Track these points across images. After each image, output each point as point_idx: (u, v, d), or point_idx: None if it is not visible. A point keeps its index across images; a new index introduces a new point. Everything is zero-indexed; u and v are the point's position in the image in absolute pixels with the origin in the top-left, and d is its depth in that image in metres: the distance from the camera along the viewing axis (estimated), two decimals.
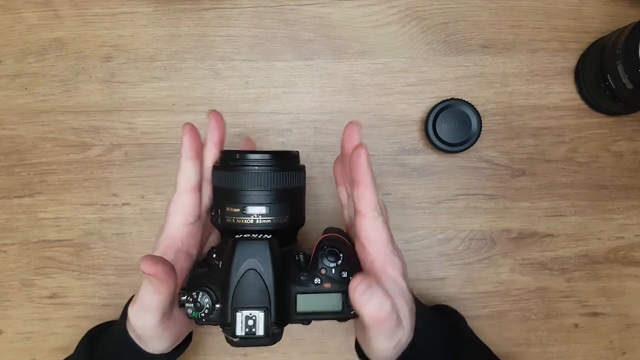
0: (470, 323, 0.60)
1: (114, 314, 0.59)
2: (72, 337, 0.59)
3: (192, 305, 0.40)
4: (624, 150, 0.59)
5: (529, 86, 0.59)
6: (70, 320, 0.59)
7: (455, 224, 0.59)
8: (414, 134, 0.59)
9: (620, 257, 0.59)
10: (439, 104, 0.56)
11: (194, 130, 0.43)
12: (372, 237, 0.40)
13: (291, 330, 0.59)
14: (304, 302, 0.41)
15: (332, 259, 0.42)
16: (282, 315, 0.40)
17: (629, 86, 0.49)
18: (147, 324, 0.41)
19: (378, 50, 0.59)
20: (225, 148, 0.45)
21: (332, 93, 0.59)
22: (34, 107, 0.59)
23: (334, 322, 0.43)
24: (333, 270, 0.42)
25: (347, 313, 0.42)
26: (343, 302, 0.42)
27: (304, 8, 0.59)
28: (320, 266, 0.42)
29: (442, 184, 0.59)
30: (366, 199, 0.40)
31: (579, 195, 0.59)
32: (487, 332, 0.59)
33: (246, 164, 0.41)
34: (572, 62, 0.59)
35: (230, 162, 0.42)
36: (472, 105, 0.56)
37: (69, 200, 0.59)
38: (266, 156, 0.41)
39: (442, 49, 0.59)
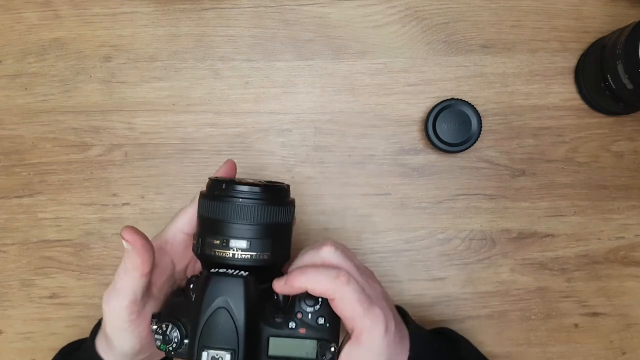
0: (471, 323, 0.60)
1: None
2: (72, 337, 0.59)
3: (161, 337, 0.39)
4: (624, 150, 0.59)
5: (529, 86, 0.59)
6: (70, 320, 0.59)
7: (455, 224, 0.59)
8: (414, 134, 0.59)
9: (620, 257, 0.59)
10: (439, 104, 0.56)
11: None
12: (346, 315, 0.39)
13: None
14: (276, 346, 0.40)
15: (309, 303, 0.40)
16: (250, 358, 0.38)
17: (629, 86, 0.49)
18: (117, 308, 0.41)
19: (378, 50, 0.59)
20: (215, 176, 0.44)
21: (332, 93, 0.59)
22: (34, 107, 0.59)
23: None
24: (310, 315, 0.40)
25: None
26: (317, 350, 0.40)
27: (304, 8, 0.59)
28: (296, 309, 0.40)
29: (442, 184, 0.59)
30: (320, 290, 0.39)
31: (579, 195, 0.59)
32: (487, 332, 0.59)
33: (231, 194, 0.39)
34: (572, 62, 0.59)
35: (215, 191, 0.40)
36: (472, 105, 0.56)
37: (69, 200, 0.59)
38: (252, 188, 0.39)
39: (442, 49, 0.59)
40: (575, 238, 0.59)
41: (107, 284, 0.58)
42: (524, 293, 0.59)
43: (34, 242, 0.59)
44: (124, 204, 0.59)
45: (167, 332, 0.39)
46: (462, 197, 0.59)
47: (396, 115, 0.59)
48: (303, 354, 0.40)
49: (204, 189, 0.42)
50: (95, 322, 0.49)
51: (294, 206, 0.43)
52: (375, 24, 0.59)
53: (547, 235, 0.59)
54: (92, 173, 0.59)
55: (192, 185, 0.59)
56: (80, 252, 0.59)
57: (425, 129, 0.56)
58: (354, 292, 0.39)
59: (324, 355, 0.40)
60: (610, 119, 0.59)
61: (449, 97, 0.56)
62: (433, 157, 0.59)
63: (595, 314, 0.59)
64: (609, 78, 0.52)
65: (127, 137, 0.59)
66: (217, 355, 0.37)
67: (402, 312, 0.46)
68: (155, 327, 0.40)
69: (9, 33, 0.59)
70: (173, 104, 0.59)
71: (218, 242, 0.39)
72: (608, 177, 0.59)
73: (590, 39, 0.58)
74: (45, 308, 0.59)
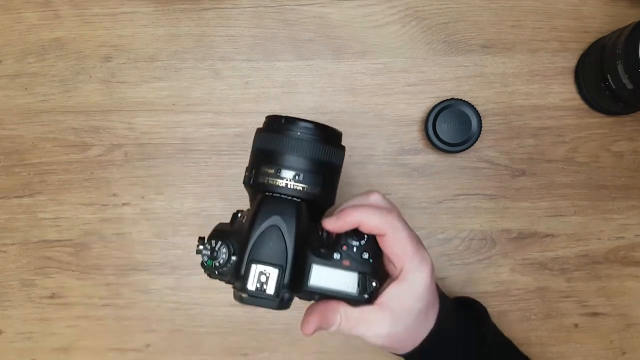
0: None
1: (113, 314, 0.59)
2: (72, 337, 0.59)
3: (209, 252, 0.40)
4: (624, 150, 0.59)
5: (529, 86, 0.59)
6: (70, 320, 0.59)
7: (455, 224, 0.59)
8: (414, 134, 0.59)
9: (620, 257, 0.59)
10: (439, 104, 0.56)
11: None
12: (396, 252, 0.41)
13: (291, 330, 0.59)
14: (318, 275, 0.40)
15: (356, 237, 0.41)
16: (295, 279, 0.39)
17: (629, 86, 0.49)
18: None
19: (378, 50, 0.59)
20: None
21: (332, 93, 0.59)
22: (34, 107, 0.59)
23: None
24: (355, 248, 0.41)
25: (360, 297, 0.40)
26: (359, 283, 0.40)
27: (304, 8, 0.59)
28: (342, 242, 0.41)
29: (442, 184, 0.59)
30: (372, 224, 0.40)
31: (579, 195, 0.59)
32: None
33: (289, 128, 0.41)
34: (572, 62, 0.59)
35: (274, 125, 0.42)
36: (472, 105, 0.56)
37: (69, 200, 0.59)
38: (310, 125, 0.41)
39: (442, 49, 0.59)
40: (575, 238, 0.59)
41: (107, 284, 0.59)
42: (524, 293, 0.59)
43: (34, 242, 0.59)
44: (124, 204, 0.59)
45: (216, 248, 0.40)
46: (462, 197, 0.59)
47: (396, 115, 0.59)
48: (343, 287, 0.40)
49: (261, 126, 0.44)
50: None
51: (344, 152, 0.44)
52: (375, 24, 0.59)
53: (547, 235, 0.59)
54: (92, 173, 0.59)
55: (192, 185, 0.59)
56: (80, 252, 0.59)
57: (425, 129, 0.56)
58: (405, 228, 0.41)
59: (366, 288, 0.40)
60: (610, 119, 0.59)
61: (449, 97, 0.56)
62: (433, 157, 0.59)
63: (595, 314, 0.59)
64: (609, 78, 0.52)
65: (127, 137, 0.59)
66: (264, 270, 0.38)
67: None
68: (202, 246, 0.40)
69: (9, 33, 0.59)
70: (173, 104, 0.59)
71: (272, 171, 0.41)
72: (608, 177, 0.59)
73: (590, 39, 0.58)
74: (45, 308, 0.59)
